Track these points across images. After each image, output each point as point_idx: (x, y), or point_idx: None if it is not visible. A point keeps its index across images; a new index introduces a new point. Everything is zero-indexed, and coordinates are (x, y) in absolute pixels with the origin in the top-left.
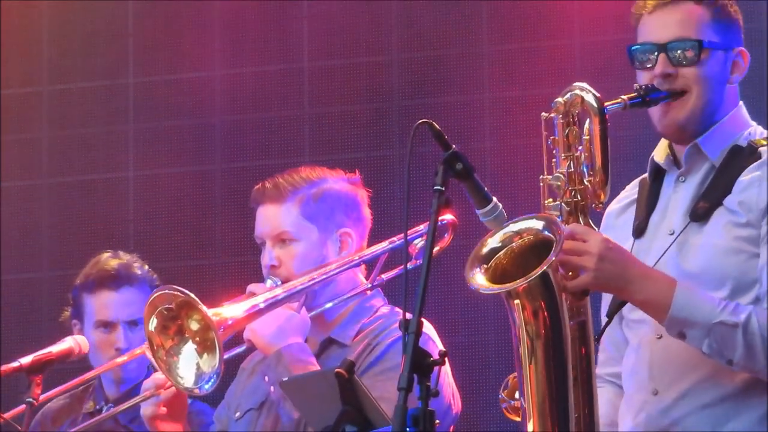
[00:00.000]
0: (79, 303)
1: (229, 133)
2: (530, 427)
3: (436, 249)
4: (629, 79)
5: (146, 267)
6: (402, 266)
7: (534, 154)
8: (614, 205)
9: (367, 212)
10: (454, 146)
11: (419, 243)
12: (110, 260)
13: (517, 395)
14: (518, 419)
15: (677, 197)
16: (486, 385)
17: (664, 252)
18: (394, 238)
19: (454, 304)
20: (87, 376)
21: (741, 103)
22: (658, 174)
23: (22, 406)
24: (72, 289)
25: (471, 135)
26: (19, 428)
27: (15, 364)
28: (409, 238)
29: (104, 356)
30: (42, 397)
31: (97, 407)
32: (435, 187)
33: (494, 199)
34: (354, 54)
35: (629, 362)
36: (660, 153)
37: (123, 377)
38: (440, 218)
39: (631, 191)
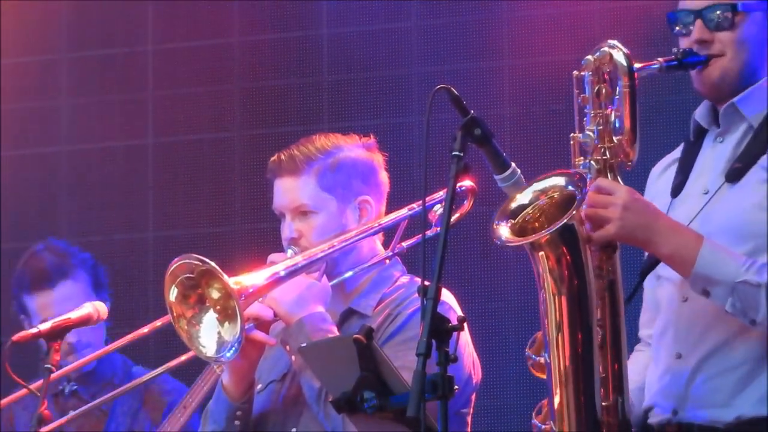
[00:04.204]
0: (21, 301)
1: (247, 100)
2: (556, 387)
3: (455, 216)
4: (652, 45)
5: (79, 252)
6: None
7: (552, 120)
8: (658, 165)
9: (384, 177)
10: (472, 111)
11: (438, 210)
12: (41, 256)
13: (542, 352)
14: (543, 376)
15: (714, 157)
16: (505, 352)
17: (699, 211)
18: (414, 205)
19: (474, 270)
20: (84, 361)
21: None
22: (701, 134)
23: None
24: (11, 284)
25: (490, 101)
26: (38, 394)
27: (34, 330)
28: (428, 204)
29: (60, 351)
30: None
31: (60, 387)
32: (453, 153)
33: (513, 164)
34: (372, 21)
35: (659, 325)
36: (702, 112)
37: (73, 344)
38: (459, 185)
39: (676, 151)
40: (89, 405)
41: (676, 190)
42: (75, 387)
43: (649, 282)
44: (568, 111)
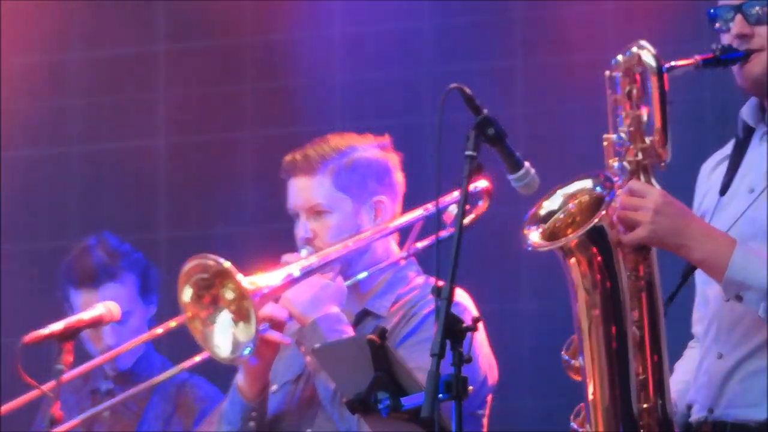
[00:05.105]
0: (65, 291)
1: (260, 99)
2: (590, 387)
3: (471, 216)
4: (665, 44)
5: (132, 251)
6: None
7: (564, 120)
8: (710, 161)
9: (399, 177)
10: (485, 111)
11: (454, 210)
12: (91, 253)
13: (578, 356)
14: (579, 379)
15: (760, 155)
16: (519, 357)
17: (744, 210)
18: (429, 205)
19: (489, 271)
20: (101, 359)
21: None
22: (750, 131)
23: None
24: (60, 272)
25: (502, 101)
26: (50, 395)
27: (46, 331)
28: (442, 205)
29: (95, 348)
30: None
31: (96, 386)
32: (466, 153)
33: (526, 164)
34: (385, 20)
35: (705, 322)
36: (748, 109)
37: (110, 345)
38: (474, 185)
39: (727, 147)
40: (101, 406)
41: (724, 188)
42: (111, 386)
43: (700, 281)
44: (581, 111)
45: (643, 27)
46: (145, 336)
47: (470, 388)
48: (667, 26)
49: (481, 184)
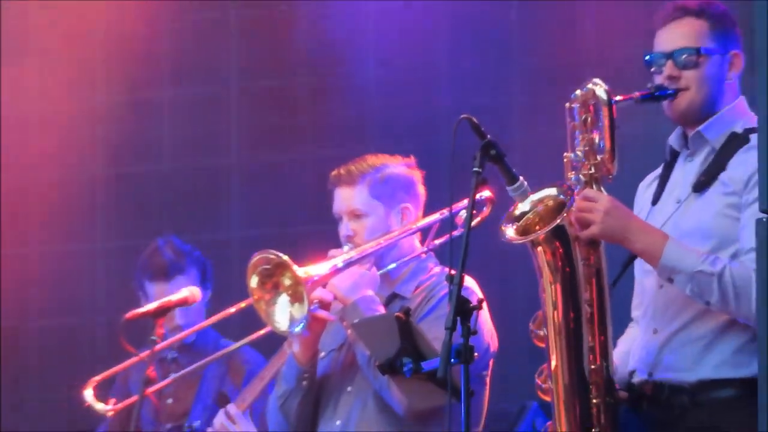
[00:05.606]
0: (142, 283)
1: (312, 126)
2: (552, 354)
3: (477, 219)
4: (626, 85)
5: (193, 250)
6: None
7: (552, 143)
8: (646, 180)
9: (421, 189)
10: (489, 136)
11: (463, 214)
12: (162, 252)
13: (542, 327)
14: (543, 345)
15: (685, 173)
16: (515, 330)
17: (670, 216)
18: (444, 211)
19: (491, 263)
20: (186, 333)
21: (742, 97)
22: (675, 155)
23: None
24: (136, 268)
25: (503, 128)
26: (146, 360)
27: (143, 310)
28: (454, 210)
29: (167, 327)
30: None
31: (164, 354)
32: (474, 169)
33: (521, 178)
34: (409, 62)
35: (642, 306)
36: (674, 137)
37: (181, 325)
38: (480, 194)
39: (659, 169)
40: (185, 371)
41: (655, 199)
42: (176, 355)
43: (638, 274)
44: (565, 137)
45: (615, 70)
46: (221, 314)
47: (476, 354)
48: (630, 73)
49: (486, 194)
